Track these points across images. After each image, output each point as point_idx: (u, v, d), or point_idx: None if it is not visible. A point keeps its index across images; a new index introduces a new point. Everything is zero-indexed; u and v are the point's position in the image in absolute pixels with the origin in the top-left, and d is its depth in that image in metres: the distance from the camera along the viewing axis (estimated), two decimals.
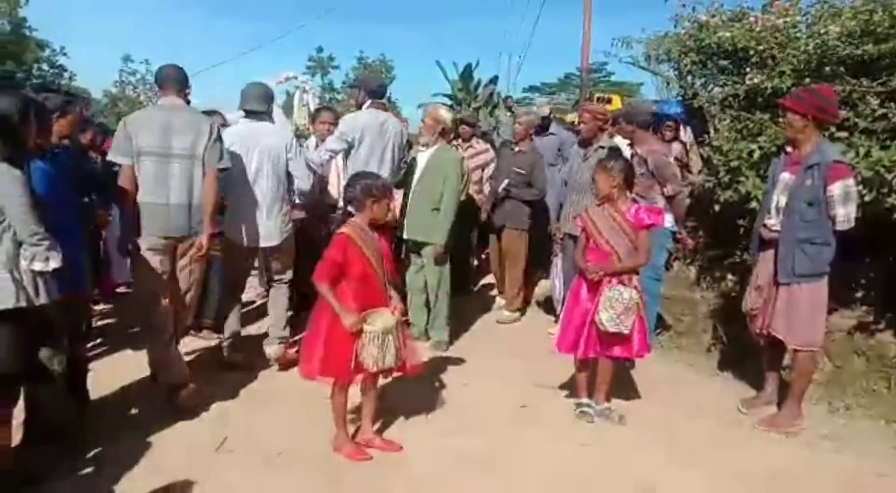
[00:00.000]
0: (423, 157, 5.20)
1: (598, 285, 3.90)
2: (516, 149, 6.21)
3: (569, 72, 36.75)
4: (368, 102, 5.13)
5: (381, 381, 3.71)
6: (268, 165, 4.57)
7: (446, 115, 5.19)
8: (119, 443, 3.54)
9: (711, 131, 5.81)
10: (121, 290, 6.79)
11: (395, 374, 3.61)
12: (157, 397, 4.14)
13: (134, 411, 4.05)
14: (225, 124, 5.16)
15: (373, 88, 5.24)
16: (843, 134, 4.50)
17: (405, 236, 5.21)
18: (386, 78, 29.28)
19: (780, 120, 4.25)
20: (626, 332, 3.85)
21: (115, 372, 4.54)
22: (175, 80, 4.18)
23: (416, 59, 57.85)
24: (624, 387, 4.50)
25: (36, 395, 3.31)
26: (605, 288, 3.86)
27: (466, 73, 27.49)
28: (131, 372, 4.52)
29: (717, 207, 5.44)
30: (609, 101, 17.27)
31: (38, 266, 2.80)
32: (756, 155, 4.87)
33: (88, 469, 3.32)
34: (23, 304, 2.77)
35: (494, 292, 6.94)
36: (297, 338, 5.06)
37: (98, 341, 5.22)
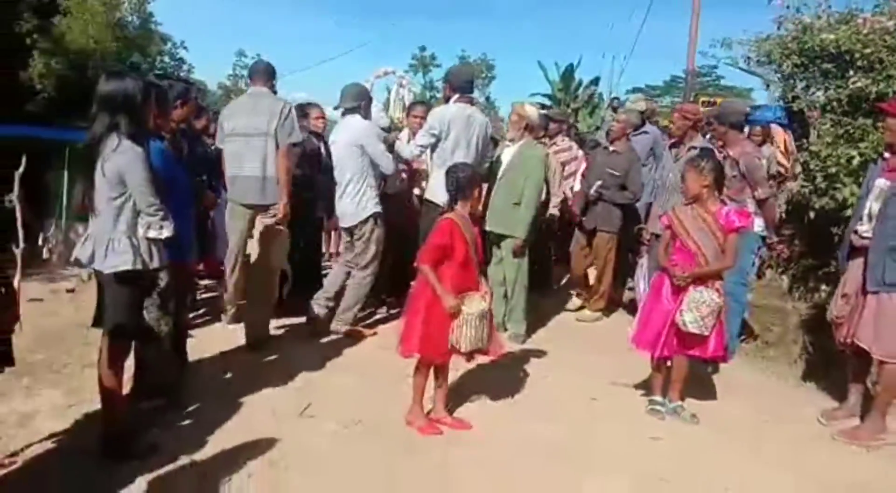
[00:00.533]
0: (508, 152, 5.33)
1: (685, 286, 3.91)
2: (611, 149, 6.13)
3: (675, 74, 35.75)
4: (456, 96, 5.26)
5: (469, 365, 3.95)
6: (345, 154, 5.07)
7: (532, 111, 5.29)
8: (214, 403, 3.85)
9: (812, 136, 5.63)
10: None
11: (481, 358, 3.83)
12: (249, 366, 4.50)
13: (228, 375, 4.38)
14: (323, 117, 5.57)
15: (460, 83, 5.34)
16: None
17: (487, 229, 5.33)
18: (486, 77, 29.46)
19: (881, 125, 4.11)
20: (707, 334, 3.85)
21: (213, 342, 4.93)
22: (263, 73, 4.94)
23: (517, 58, 57.51)
24: (703, 389, 4.49)
25: (144, 353, 3.67)
26: (691, 289, 3.86)
27: (567, 74, 27.22)
28: (228, 343, 4.91)
29: (811, 215, 5.28)
30: (714, 105, 16.75)
31: (152, 234, 3.11)
32: (855, 161, 4.72)
33: (187, 422, 3.64)
34: (139, 267, 3.09)
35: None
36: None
37: (201, 311, 5.65)
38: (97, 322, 3.35)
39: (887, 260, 3.69)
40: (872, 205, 3.83)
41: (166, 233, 3.16)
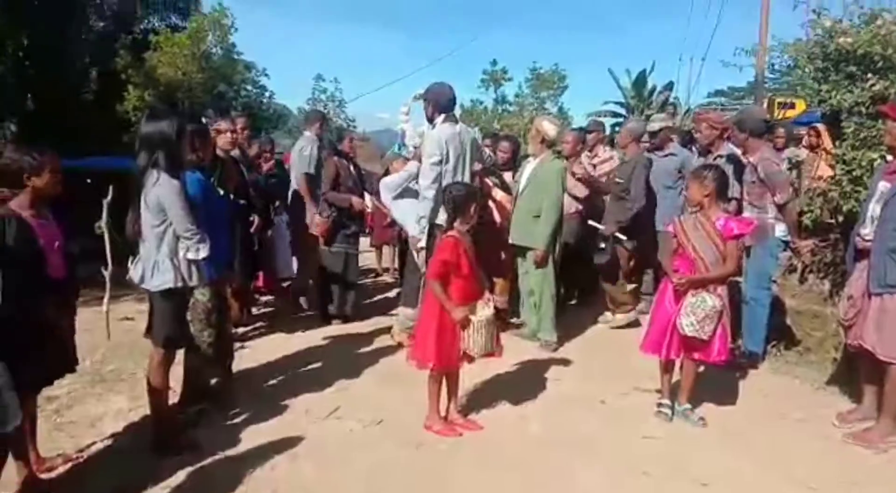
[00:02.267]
0: (528, 167, 5.61)
1: (684, 290, 4.06)
2: (625, 159, 6.29)
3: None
4: (442, 116, 5.26)
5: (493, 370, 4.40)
6: None
7: (549, 127, 5.49)
8: (255, 406, 4.29)
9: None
10: (286, 284, 7.85)
11: (488, 358, 4.03)
12: (292, 373, 4.97)
13: (273, 382, 4.82)
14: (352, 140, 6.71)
15: (444, 103, 5.30)
16: None
17: (510, 242, 5.60)
18: (558, 87, 29.39)
19: (883, 128, 4.12)
20: (704, 338, 3.98)
21: (266, 351, 5.45)
22: (305, 120, 6.95)
23: (590, 67, 57.15)
24: (724, 392, 4.60)
25: (190, 361, 4.16)
26: (689, 294, 4.01)
27: (640, 80, 27.02)
28: (278, 352, 5.41)
29: (840, 218, 5.26)
30: (792, 106, 16.21)
31: (191, 255, 3.55)
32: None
33: (229, 423, 4.08)
34: (180, 284, 3.54)
35: None
36: None
37: (258, 324, 6.17)
38: (147, 333, 3.83)
39: (888, 261, 3.73)
40: (874, 208, 3.88)
41: (203, 254, 3.58)
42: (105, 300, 5.65)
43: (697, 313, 3.93)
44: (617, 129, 26.81)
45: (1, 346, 2.71)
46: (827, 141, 6.79)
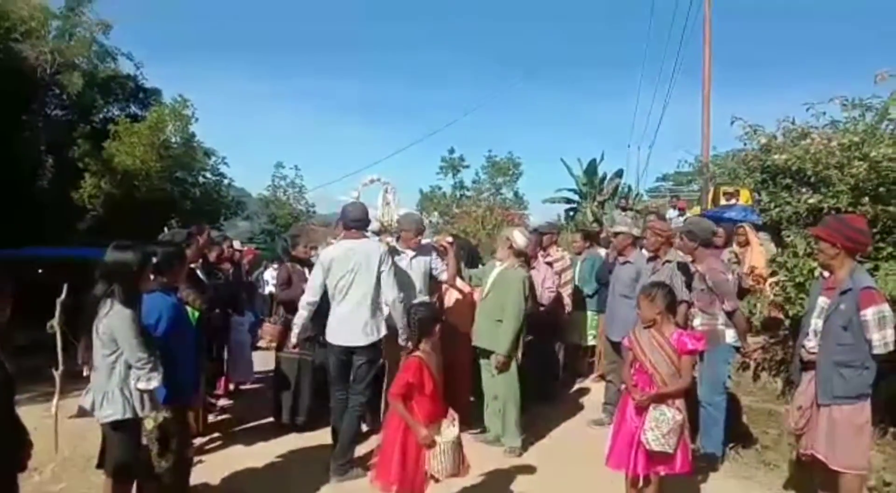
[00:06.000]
0: (494, 272, 5.74)
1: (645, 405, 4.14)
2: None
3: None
4: (343, 232, 5.39)
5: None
6: None
7: (519, 238, 5.69)
8: None
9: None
10: (244, 386, 7.74)
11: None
12: (249, 490, 4.81)
13: None
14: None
15: (348, 221, 5.32)
16: None
17: (474, 343, 5.71)
18: (513, 174, 30.31)
19: (815, 247, 4.35)
20: (670, 451, 4.04)
21: (223, 466, 5.27)
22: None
23: (544, 155, 59.53)
24: None
25: (145, 488, 4.02)
26: (651, 409, 4.09)
27: (591, 168, 28.03)
28: (235, 467, 5.24)
29: (787, 322, 5.48)
30: (736, 194, 16.97)
31: (141, 385, 3.53)
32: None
33: None
34: (129, 416, 3.51)
35: (584, 399, 7.24)
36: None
37: (215, 434, 6.02)
38: (101, 464, 3.74)
39: (834, 375, 3.89)
40: (816, 322, 4.07)
41: (154, 383, 3.56)
42: (54, 403, 5.41)
43: (662, 427, 3.99)
44: (572, 213, 27.68)
45: None
46: (753, 237, 7.16)
